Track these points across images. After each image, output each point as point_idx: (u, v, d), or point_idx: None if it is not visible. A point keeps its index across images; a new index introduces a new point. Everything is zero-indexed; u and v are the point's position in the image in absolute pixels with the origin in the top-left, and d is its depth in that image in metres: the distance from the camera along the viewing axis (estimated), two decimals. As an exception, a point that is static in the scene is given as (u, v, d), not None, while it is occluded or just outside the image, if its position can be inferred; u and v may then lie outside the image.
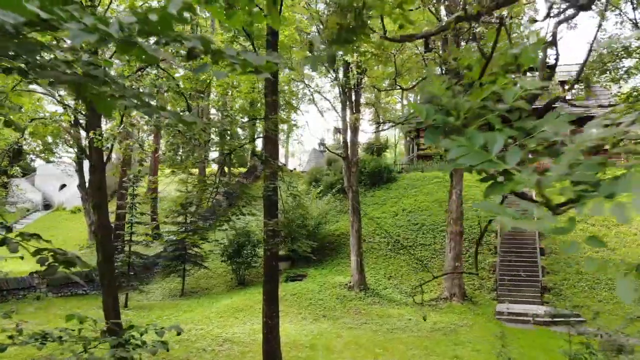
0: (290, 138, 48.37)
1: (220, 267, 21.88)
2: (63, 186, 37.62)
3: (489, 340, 13.07)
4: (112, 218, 22.25)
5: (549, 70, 9.82)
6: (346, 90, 17.43)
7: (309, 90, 22.69)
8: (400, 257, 20.90)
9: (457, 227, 17.01)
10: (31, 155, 50.44)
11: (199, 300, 18.58)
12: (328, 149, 26.91)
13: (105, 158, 9.36)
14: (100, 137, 7.35)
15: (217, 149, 6.92)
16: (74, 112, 8.64)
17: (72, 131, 11.77)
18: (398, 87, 15.20)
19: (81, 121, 10.03)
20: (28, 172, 44.27)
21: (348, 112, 19.18)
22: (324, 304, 16.63)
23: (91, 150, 8.94)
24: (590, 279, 18.19)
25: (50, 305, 17.48)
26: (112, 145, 9.44)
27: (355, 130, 19.24)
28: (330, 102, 20.30)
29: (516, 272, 18.48)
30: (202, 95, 8.09)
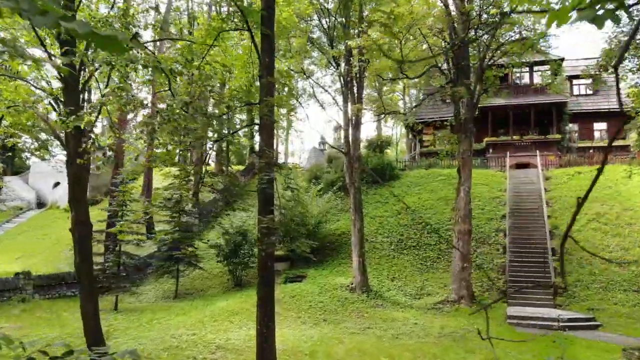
0: (289, 135, 47.44)
1: (216, 267, 20.97)
2: (57, 184, 36.73)
3: (501, 347, 12.18)
4: (104, 216, 21.35)
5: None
6: (348, 80, 16.52)
7: (310, 83, 21.82)
8: (404, 258, 20.02)
9: (465, 226, 16.11)
10: (26, 153, 49.67)
11: (193, 302, 17.68)
12: (330, 145, 26.10)
13: (87, 147, 8.42)
14: (65, 118, 6.41)
15: (204, 134, 6.02)
16: (49, 95, 7.69)
17: (47, 118, 10.82)
18: (404, 76, 14.32)
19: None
20: (22, 169, 43.39)
21: (350, 105, 18.30)
22: (324, 306, 15.74)
23: (68, 139, 8.05)
24: (604, 280, 17.32)
25: (36, 308, 16.59)
26: (93, 136, 8.52)
27: (357, 124, 18.34)
28: (331, 95, 19.34)
29: (527, 273, 17.60)
30: (188, 76, 7.16)
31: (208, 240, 20.04)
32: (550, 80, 22.37)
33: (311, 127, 46.36)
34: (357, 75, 16.03)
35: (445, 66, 17.29)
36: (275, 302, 13.73)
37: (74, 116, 6.25)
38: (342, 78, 17.86)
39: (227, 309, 15.52)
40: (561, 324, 14.53)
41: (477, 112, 16.75)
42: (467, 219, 16.29)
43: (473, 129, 16.02)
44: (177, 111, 5.54)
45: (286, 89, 9.34)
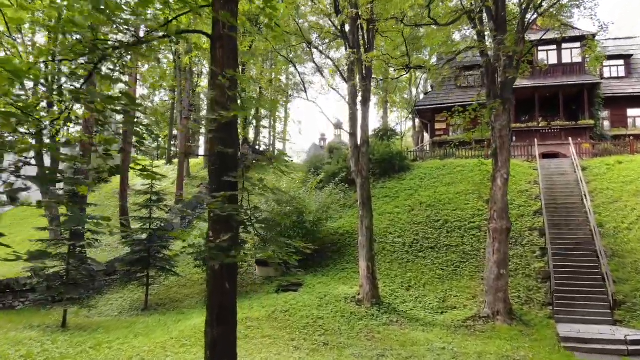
0: (287, 125, 44.08)
1: (196, 273, 17.64)
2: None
3: (567, 386, 8.87)
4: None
5: None
6: (354, 35, 13.19)
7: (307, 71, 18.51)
8: (420, 262, 16.67)
9: (502, 223, 12.78)
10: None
11: (163, 317, 14.34)
12: (335, 125, 22.87)
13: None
14: None
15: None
16: None
17: None
18: (432, 21, 11.01)
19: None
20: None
21: (357, 79, 15.04)
22: (324, 324, 12.40)
23: None
24: (669, 290, 14.00)
25: (-35, 325, 13.25)
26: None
27: (365, 100, 15.02)
28: (332, 60, 16.01)
29: (574, 281, 14.26)
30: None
31: (184, 240, 16.71)
32: (588, 55, 19.05)
33: (309, 99, 42.63)
34: (366, 30, 12.67)
35: (470, 32, 14.07)
36: (267, 322, 10.28)
37: None
38: (347, 43, 14.58)
39: (201, 327, 12.15)
40: (630, 347, 11.26)
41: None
42: (505, 215, 12.96)
43: (513, 99, 12.71)
44: None
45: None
